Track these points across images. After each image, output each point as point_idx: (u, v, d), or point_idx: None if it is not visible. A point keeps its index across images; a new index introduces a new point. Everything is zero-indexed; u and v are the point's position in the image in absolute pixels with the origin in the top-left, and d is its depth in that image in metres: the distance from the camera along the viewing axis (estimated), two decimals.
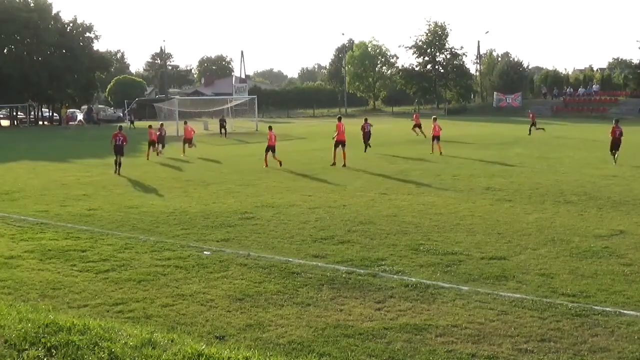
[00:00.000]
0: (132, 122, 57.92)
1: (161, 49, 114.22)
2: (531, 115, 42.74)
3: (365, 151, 29.50)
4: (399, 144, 34.27)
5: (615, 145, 24.30)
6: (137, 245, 11.64)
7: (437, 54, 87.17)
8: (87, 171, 24.41)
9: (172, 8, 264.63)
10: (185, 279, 9.52)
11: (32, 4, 67.24)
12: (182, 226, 13.44)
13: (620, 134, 24.51)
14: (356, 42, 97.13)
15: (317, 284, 9.16)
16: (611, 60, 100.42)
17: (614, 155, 24.16)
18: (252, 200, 16.67)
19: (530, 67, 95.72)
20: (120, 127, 26.97)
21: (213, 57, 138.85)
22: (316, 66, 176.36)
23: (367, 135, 30.28)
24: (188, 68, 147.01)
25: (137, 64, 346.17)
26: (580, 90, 75.95)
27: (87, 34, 71.92)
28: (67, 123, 69.92)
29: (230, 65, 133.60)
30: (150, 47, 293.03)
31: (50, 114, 73.90)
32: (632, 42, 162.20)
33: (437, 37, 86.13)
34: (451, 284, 9.10)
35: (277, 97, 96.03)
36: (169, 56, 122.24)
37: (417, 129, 37.77)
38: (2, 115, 75.40)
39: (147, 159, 28.59)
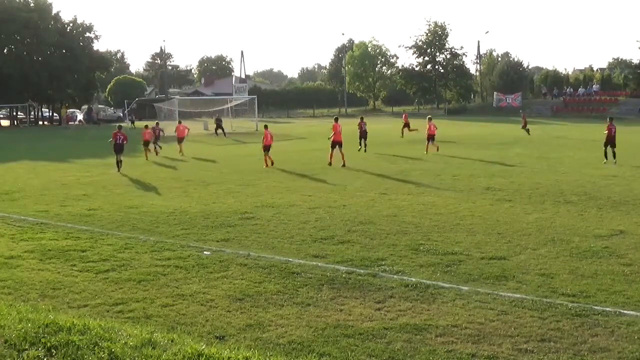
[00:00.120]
0: (132, 122, 57.96)
1: (161, 49, 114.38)
2: (523, 115, 42.99)
3: (365, 150, 29.58)
4: (399, 144, 34.27)
5: (610, 141, 24.51)
6: (137, 245, 11.64)
7: (437, 54, 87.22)
8: (87, 171, 24.42)
9: (172, 8, 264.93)
10: (185, 279, 9.52)
11: (32, 4, 67.29)
12: (182, 226, 13.44)
13: (615, 131, 24.87)
14: (356, 42, 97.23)
15: (317, 284, 9.15)
16: (611, 60, 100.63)
17: (607, 153, 24.41)
18: (252, 200, 16.67)
19: (530, 67, 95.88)
20: (120, 126, 27.12)
21: (213, 57, 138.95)
22: (316, 66, 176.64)
23: (364, 134, 30.41)
24: (188, 68, 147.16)
25: (137, 64, 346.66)
26: (580, 90, 75.95)
27: (87, 34, 72.02)
28: (67, 123, 69.96)
29: (230, 65, 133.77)
30: (150, 47, 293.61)
31: (50, 114, 73.93)
32: (632, 42, 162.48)
33: (437, 37, 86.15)
34: (451, 284, 9.10)
35: (277, 97, 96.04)
36: (169, 56, 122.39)
37: (406, 129, 38.21)
38: (2, 115, 75.46)
39: (146, 159, 28.59)
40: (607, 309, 7.99)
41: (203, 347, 6.21)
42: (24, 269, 10.11)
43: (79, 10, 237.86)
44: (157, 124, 34.62)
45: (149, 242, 11.88)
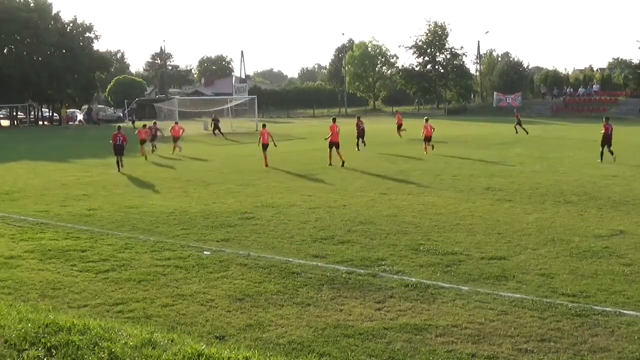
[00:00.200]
0: (133, 122, 57.94)
1: (161, 49, 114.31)
2: (517, 114, 43.12)
3: (364, 144, 29.69)
4: (399, 144, 34.28)
5: (607, 141, 24.66)
6: (137, 245, 11.64)
7: (437, 54, 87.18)
8: (87, 171, 24.42)
9: (172, 8, 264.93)
10: (185, 279, 9.52)
11: (32, 4, 67.25)
12: (182, 226, 13.44)
13: (612, 130, 25.08)
14: (356, 42, 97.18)
15: (317, 284, 9.16)
16: (611, 60, 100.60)
17: (603, 153, 24.53)
18: (252, 200, 16.67)
19: (530, 67, 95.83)
20: (119, 127, 27.09)
21: (213, 57, 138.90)
22: (316, 66, 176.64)
23: (361, 133, 30.44)
24: (188, 68, 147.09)
25: (137, 64, 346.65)
26: (580, 90, 75.93)
27: (87, 34, 71.94)
28: (67, 123, 69.95)
29: (230, 65, 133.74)
30: (150, 47, 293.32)
31: (50, 114, 73.89)
32: (632, 42, 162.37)
33: (437, 37, 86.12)
34: (451, 284, 9.10)
35: (277, 97, 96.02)
36: (169, 56, 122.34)
37: (399, 130, 38.33)
38: (2, 115, 75.39)
39: (145, 159, 28.57)
40: (607, 309, 7.99)
41: (203, 347, 6.21)
42: (24, 269, 10.12)
43: (79, 10, 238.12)
44: (155, 123, 34.92)
45: (149, 242, 11.88)
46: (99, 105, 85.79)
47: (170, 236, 12.46)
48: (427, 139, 29.29)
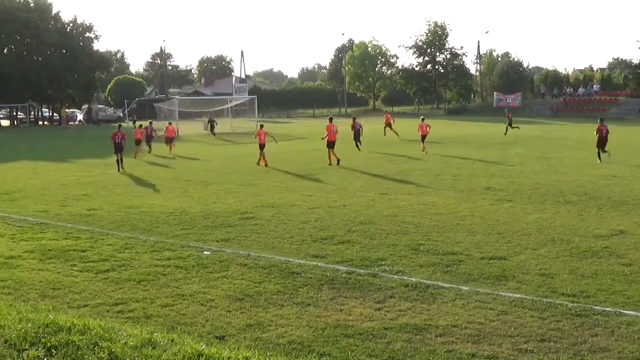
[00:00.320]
0: (133, 122, 57.93)
1: (161, 49, 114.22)
2: (508, 115, 43.22)
3: (358, 149, 29.68)
4: (399, 144, 34.27)
5: (602, 143, 24.75)
6: (137, 245, 11.64)
7: (437, 54, 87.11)
8: (87, 171, 24.43)
9: (172, 8, 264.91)
10: (185, 279, 9.52)
11: (32, 4, 67.23)
12: (182, 226, 13.44)
13: (607, 132, 25.09)
14: (356, 42, 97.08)
15: (317, 284, 9.16)
16: (611, 60, 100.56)
17: (600, 154, 24.65)
18: (252, 200, 16.67)
19: (530, 67, 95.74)
20: (120, 125, 27.32)
21: (213, 57, 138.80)
22: (316, 66, 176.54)
23: (357, 134, 30.49)
24: (188, 68, 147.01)
25: (137, 64, 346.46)
26: (580, 90, 75.89)
27: (87, 34, 71.90)
28: (67, 123, 69.93)
29: (230, 65, 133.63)
30: (150, 47, 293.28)
31: (50, 114, 73.86)
32: (632, 42, 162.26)
33: (437, 37, 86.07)
34: (451, 284, 9.10)
35: (277, 97, 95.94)
36: (169, 56, 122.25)
37: (387, 128, 38.37)
38: (2, 115, 75.35)
39: (134, 158, 28.25)
40: (607, 309, 7.99)
41: (203, 347, 6.21)
42: (24, 269, 10.12)
43: (79, 10, 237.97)
44: (151, 123, 35.16)
45: (149, 242, 11.88)
46: (99, 105, 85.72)
47: (170, 236, 12.46)
48: (423, 138, 29.53)
